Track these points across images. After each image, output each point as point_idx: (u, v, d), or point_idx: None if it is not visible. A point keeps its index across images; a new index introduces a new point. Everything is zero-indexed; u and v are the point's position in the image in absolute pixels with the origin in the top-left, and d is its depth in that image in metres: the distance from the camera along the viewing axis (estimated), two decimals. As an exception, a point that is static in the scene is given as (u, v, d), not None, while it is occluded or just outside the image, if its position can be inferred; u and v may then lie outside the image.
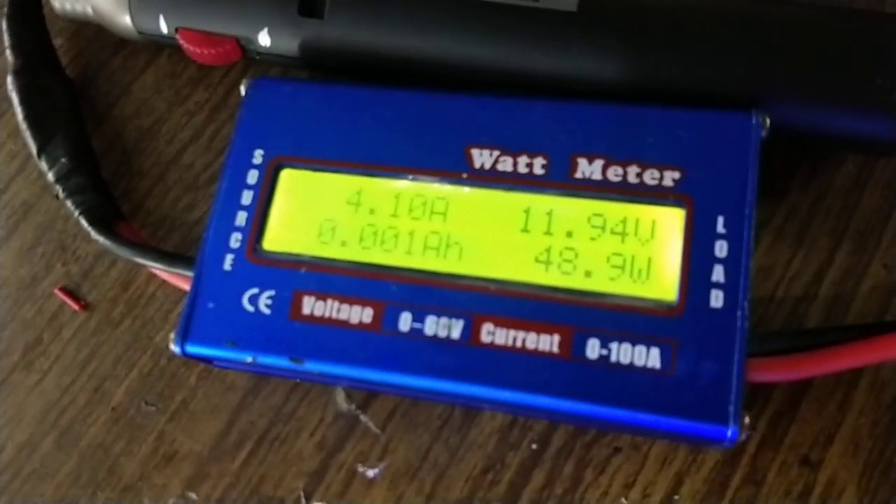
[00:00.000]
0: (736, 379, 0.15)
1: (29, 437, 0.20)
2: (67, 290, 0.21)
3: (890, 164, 0.19)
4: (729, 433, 0.15)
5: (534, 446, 0.18)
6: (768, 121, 0.17)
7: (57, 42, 0.23)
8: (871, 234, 0.19)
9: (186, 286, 0.19)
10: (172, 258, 0.20)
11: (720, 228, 0.16)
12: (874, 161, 0.19)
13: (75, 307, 0.21)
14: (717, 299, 0.16)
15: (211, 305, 0.18)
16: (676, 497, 0.18)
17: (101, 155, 0.22)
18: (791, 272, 0.19)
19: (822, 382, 0.18)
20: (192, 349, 0.17)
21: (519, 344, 0.16)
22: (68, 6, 0.22)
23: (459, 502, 0.18)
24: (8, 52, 0.22)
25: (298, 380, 0.19)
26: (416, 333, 0.17)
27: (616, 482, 0.18)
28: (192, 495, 0.19)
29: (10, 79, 0.22)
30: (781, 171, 0.19)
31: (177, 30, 0.21)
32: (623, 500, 0.18)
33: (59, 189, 0.21)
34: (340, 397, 0.19)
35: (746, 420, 0.15)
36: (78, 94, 0.23)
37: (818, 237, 0.19)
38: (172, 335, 0.18)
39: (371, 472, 0.19)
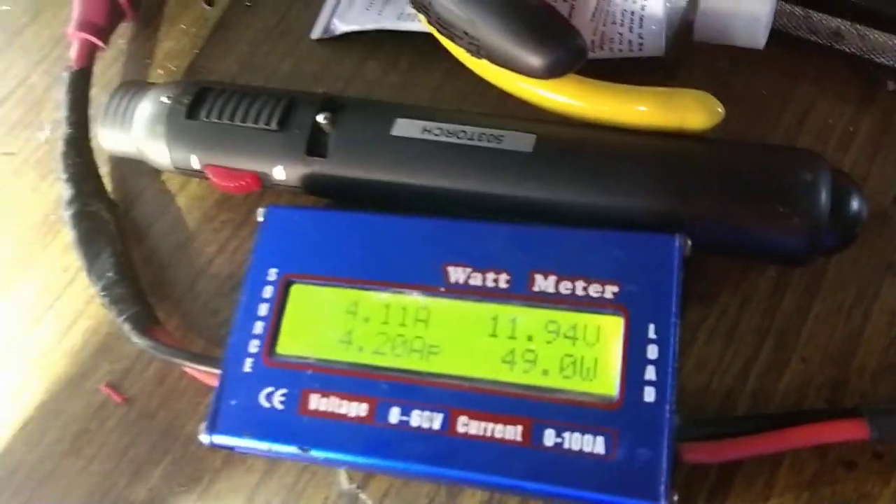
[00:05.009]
0: (665, 463, 0.18)
1: (76, 516, 0.24)
2: (112, 386, 0.25)
3: (807, 270, 0.23)
4: (660, 508, 0.18)
5: (507, 519, 0.21)
6: (689, 242, 0.20)
7: (103, 170, 0.28)
8: (791, 331, 0.22)
9: (213, 382, 0.22)
10: (201, 358, 0.23)
11: (651, 334, 0.19)
12: (792, 268, 0.23)
13: (118, 400, 0.25)
14: (649, 394, 0.19)
15: (233, 402, 0.21)
16: (629, 563, 0.20)
17: (140, 266, 0.26)
18: (723, 365, 0.22)
19: (751, 462, 0.21)
20: (218, 440, 0.21)
21: (489, 434, 0.19)
22: (116, 148, 0.26)
23: (444, 569, 0.21)
24: (63, 184, 0.27)
25: (308, 462, 0.23)
26: (404, 425, 0.20)
27: (577, 550, 0.21)
28: (217, 566, 0.22)
29: (63, 207, 0.26)
30: (713, 277, 0.23)
31: (205, 166, 0.25)
32: (583, 566, 0.20)
33: (105, 300, 0.25)
34: (343, 478, 0.23)
35: (675, 498, 0.18)
36: (121, 215, 0.27)
37: (745, 334, 0.22)
38: (202, 427, 0.21)
39: (369, 543, 0.22)
